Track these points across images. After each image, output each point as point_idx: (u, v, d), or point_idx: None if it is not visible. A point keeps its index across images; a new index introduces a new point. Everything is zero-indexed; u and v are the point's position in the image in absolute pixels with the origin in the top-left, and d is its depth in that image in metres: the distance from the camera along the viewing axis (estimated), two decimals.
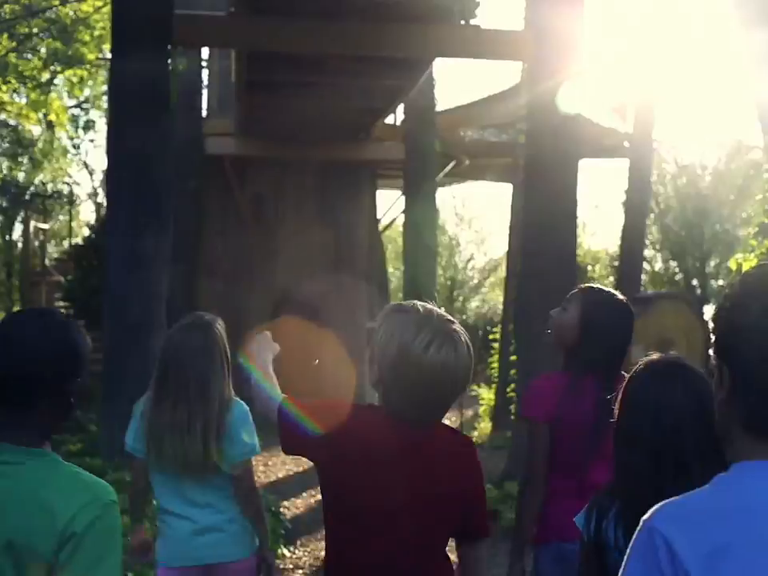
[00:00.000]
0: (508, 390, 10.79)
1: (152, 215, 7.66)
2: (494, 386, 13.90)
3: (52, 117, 16.02)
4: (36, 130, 21.96)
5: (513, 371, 8.72)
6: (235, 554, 3.18)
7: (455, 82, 62.29)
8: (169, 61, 7.95)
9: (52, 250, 25.19)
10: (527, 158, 8.31)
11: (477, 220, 29.84)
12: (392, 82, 10.60)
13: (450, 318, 2.14)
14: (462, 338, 2.14)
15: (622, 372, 2.23)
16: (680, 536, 1.20)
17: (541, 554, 3.07)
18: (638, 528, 1.25)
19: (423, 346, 2.02)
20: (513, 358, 8.34)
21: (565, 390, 2.99)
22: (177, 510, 3.18)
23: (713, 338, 1.33)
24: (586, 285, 3.26)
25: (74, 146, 18.77)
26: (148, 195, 7.62)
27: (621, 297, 3.13)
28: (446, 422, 2.26)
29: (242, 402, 3.21)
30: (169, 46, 7.88)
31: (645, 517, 1.25)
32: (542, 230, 8.00)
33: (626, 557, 1.26)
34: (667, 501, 1.26)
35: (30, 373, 1.66)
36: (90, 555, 1.60)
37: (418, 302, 2.13)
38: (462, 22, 8.51)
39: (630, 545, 1.26)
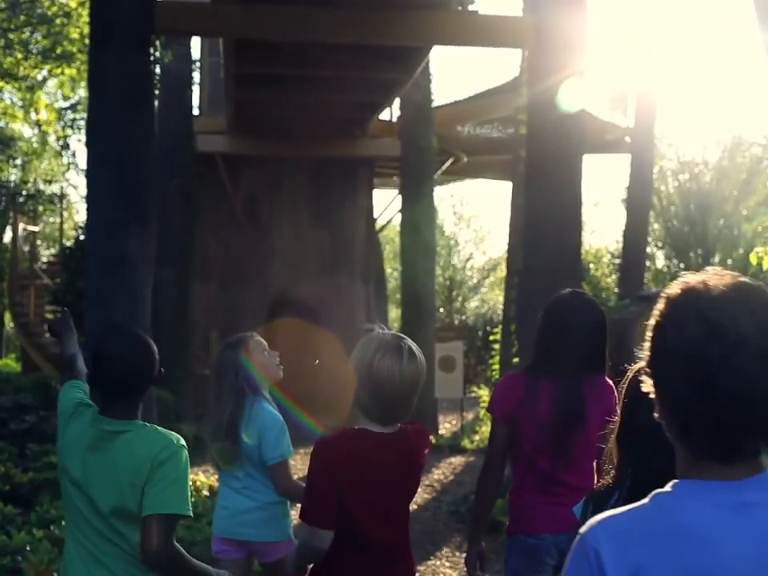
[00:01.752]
0: None
1: (134, 214, 7.26)
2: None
3: (40, 117, 15.64)
4: (27, 131, 21.60)
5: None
6: (272, 536, 3.63)
7: (452, 78, 61.98)
8: (152, 51, 7.55)
9: (45, 253, 24.84)
10: (528, 153, 7.94)
11: (475, 219, 29.56)
12: (387, 74, 10.22)
13: (401, 335, 2.61)
14: (409, 349, 2.56)
15: (625, 367, 2.07)
16: (609, 552, 1.23)
17: (510, 547, 3.25)
18: (578, 535, 1.28)
19: (375, 358, 2.52)
20: (515, 360, 7.94)
21: (524, 390, 3.11)
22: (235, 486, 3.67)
23: (647, 355, 1.30)
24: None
25: (62, 147, 18.32)
26: (130, 193, 7.23)
27: (585, 299, 3.22)
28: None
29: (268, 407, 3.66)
30: (152, 36, 7.48)
31: (583, 528, 1.27)
32: (545, 226, 7.64)
33: (567, 558, 1.29)
34: (608, 514, 1.28)
35: (131, 383, 2.53)
36: (167, 476, 2.41)
37: (380, 330, 2.63)
38: (460, 8, 8.12)
39: (571, 548, 1.29)
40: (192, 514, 2.49)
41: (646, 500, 1.27)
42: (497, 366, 13.26)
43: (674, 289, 1.28)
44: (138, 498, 2.42)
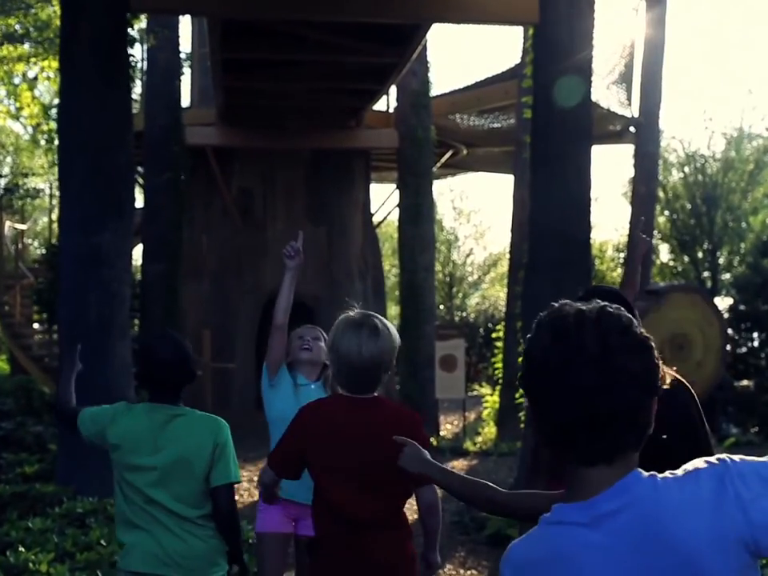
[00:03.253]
0: (517, 395, 9.89)
1: (110, 206, 6.77)
2: (498, 387, 12.99)
3: (28, 110, 15.13)
4: (17, 127, 21.07)
5: (520, 374, 7.84)
6: None
7: (450, 67, 61.22)
8: (128, 31, 7.03)
9: (37, 253, 24.29)
10: (534, 143, 7.40)
11: (475, 214, 29.06)
12: (382, 57, 9.69)
13: (369, 314, 2.88)
14: (377, 324, 2.80)
15: None
16: None
17: None
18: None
19: (336, 335, 2.82)
20: (521, 360, 7.41)
21: None
22: None
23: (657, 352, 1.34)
24: None
25: (47, 141, 17.82)
26: (105, 184, 6.74)
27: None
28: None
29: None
30: (127, 14, 6.95)
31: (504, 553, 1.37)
32: (552, 218, 7.13)
33: None
34: (517, 540, 1.36)
35: (173, 379, 3.06)
36: (228, 455, 3.04)
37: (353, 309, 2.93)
38: None
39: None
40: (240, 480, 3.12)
41: (536, 526, 1.34)
42: (500, 365, 12.74)
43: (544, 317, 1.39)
44: (204, 471, 3.00)
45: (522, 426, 8.38)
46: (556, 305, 1.37)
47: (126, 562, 3.02)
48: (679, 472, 1.27)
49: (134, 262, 18.64)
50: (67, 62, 6.78)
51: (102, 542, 5.01)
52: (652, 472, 1.29)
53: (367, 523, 2.63)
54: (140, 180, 13.92)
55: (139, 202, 13.14)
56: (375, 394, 2.79)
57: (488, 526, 6.75)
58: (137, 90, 15.41)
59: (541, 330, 1.36)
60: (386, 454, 2.45)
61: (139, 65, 13.41)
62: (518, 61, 13.34)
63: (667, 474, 1.27)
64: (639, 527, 1.23)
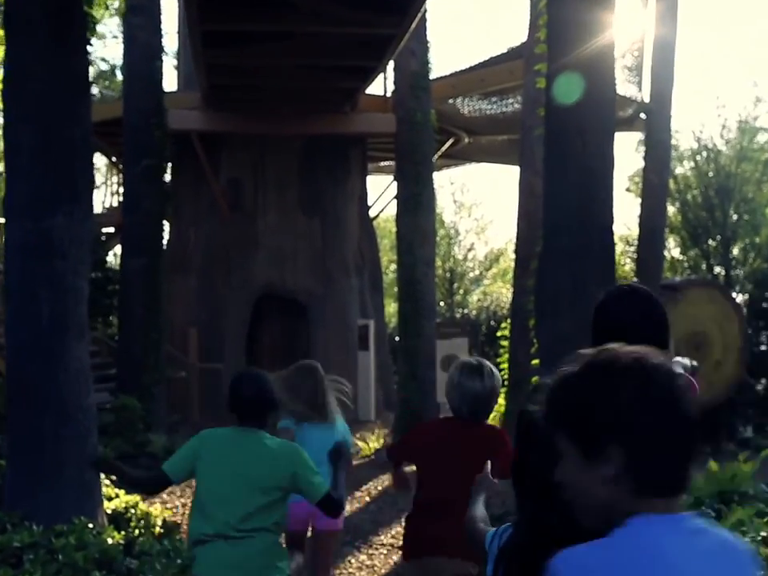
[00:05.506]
0: (528, 398, 8.98)
1: (64, 187, 5.90)
2: (503, 389, 12.12)
3: None
4: None
5: (534, 378, 6.92)
6: None
7: (451, 49, 59.77)
8: None
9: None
10: (549, 130, 6.50)
11: (477, 207, 28.20)
12: (378, 28, 8.80)
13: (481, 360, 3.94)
14: (488, 369, 3.81)
15: None
16: None
17: None
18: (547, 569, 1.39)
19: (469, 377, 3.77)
20: (535, 362, 6.53)
21: None
22: None
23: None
24: None
25: None
26: (58, 161, 5.87)
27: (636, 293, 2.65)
28: None
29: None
30: None
31: (551, 560, 1.38)
32: (570, 198, 6.25)
33: None
34: (572, 548, 1.37)
35: (256, 410, 3.52)
36: (307, 471, 3.45)
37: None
38: None
39: None
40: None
41: (606, 538, 1.37)
42: (505, 366, 11.86)
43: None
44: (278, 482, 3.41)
45: None
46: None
47: None
48: None
49: (116, 257, 17.66)
50: (12, 19, 5.90)
51: None
52: None
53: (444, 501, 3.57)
54: (119, 168, 13.03)
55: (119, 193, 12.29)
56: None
57: None
58: (101, 62, 14.45)
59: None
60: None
61: (120, 45, 12.53)
62: (525, 39, 12.49)
63: None
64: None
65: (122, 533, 5.83)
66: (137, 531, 5.98)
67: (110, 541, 5.44)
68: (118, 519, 6.23)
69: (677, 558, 1.32)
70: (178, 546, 5.22)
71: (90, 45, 6.22)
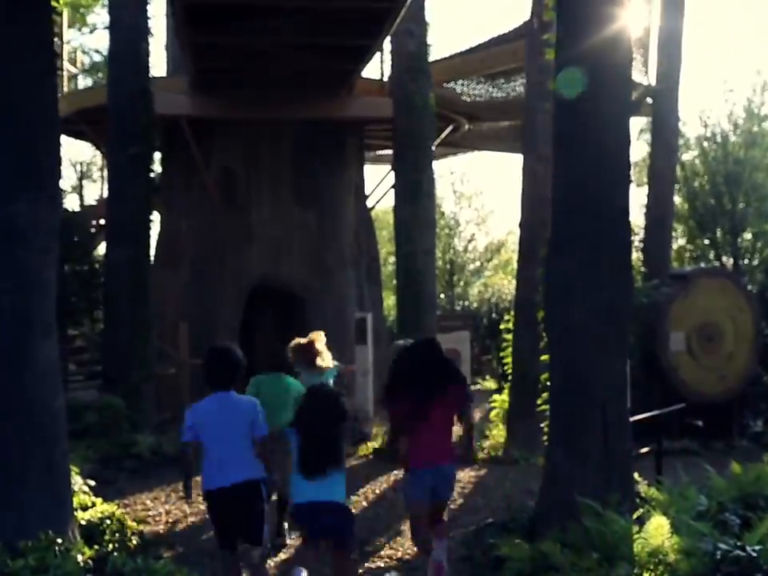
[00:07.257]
0: (541, 396, 8.46)
1: (27, 172, 5.39)
2: (507, 384, 11.58)
3: None
4: None
5: (544, 375, 6.39)
6: None
7: (450, 32, 58.79)
8: None
9: None
10: (560, 121, 5.97)
11: (477, 197, 27.66)
12: (374, 1, 8.24)
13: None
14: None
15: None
16: None
17: None
18: None
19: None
20: (543, 357, 5.99)
21: None
22: None
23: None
24: None
25: None
26: (20, 143, 5.36)
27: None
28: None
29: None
30: None
31: None
32: (582, 175, 5.74)
33: None
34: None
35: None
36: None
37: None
38: None
39: None
40: None
41: None
42: (509, 360, 11.33)
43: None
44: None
45: (546, 440, 6.97)
46: None
47: None
48: None
49: (100, 248, 17.01)
50: None
51: None
52: None
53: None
54: (103, 155, 12.47)
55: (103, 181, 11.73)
56: None
57: (506, 567, 5.34)
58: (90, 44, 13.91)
59: None
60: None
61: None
62: (527, 18, 11.93)
63: None
64: None
65: (95, 547, 5.33)
66: (110, 546, 5.47)
67: (79, 558, 4.93)
68: (93, 531, 5.72)
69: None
70: (151, 566, 4.70)
71: (58, 14, 5.70)
